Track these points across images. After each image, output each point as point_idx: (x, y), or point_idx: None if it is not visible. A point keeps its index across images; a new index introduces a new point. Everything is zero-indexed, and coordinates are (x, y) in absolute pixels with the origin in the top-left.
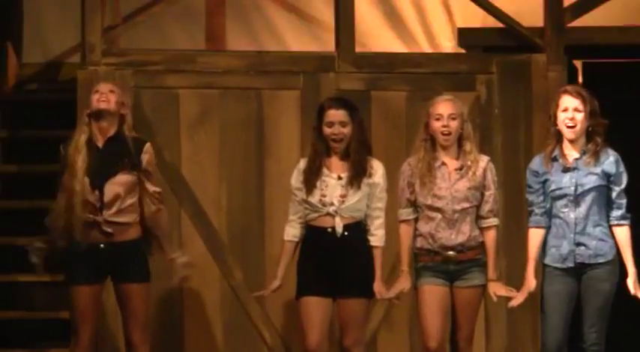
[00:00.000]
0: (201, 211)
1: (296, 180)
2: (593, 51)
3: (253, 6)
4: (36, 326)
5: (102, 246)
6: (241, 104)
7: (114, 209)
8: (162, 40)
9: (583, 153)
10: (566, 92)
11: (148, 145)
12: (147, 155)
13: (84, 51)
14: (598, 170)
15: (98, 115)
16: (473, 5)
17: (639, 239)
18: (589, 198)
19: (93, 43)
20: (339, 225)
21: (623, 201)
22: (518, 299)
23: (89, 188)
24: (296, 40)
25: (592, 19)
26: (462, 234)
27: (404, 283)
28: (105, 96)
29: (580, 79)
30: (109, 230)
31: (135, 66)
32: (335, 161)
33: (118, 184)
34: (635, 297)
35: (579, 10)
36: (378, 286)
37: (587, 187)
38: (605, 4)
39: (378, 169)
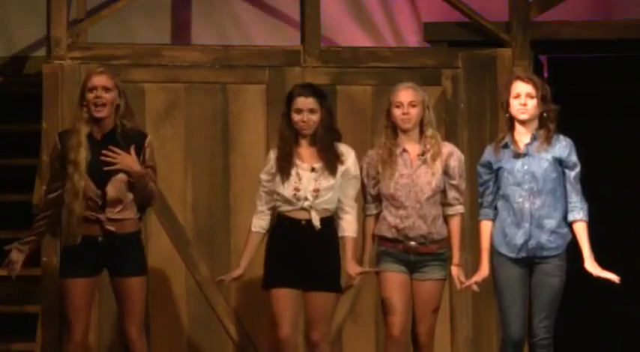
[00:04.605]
0: (166, 206)
1: (267, 171)
2: (559, 46)
3: (219, 0)
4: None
5: (100, 239)
6: (207, 98)
7: (118, 207)
8: (128, 34)
9: (534, 138)
10: (518, 78)
11: (149, 139)
12: (148, 149)
13: (49, 45)
14: (549, 156)
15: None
16: None
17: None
18: (544, 189)
19: (58, 37)
20: (315, 219)
21: (578, 187)
22: (469, 281)
23: (91, 185)
24: (262, 34)
25: (558, 13)
26: (426, 225)
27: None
28: (101, 100)
29: (545, 74)
30: (112, 228)
31: (100, 60)
32: (304, 149)
33: (120, 181)
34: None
35: (545, 4)
36: (351, 267)
37: (539, 176)
38: None
39: (348, 155)
